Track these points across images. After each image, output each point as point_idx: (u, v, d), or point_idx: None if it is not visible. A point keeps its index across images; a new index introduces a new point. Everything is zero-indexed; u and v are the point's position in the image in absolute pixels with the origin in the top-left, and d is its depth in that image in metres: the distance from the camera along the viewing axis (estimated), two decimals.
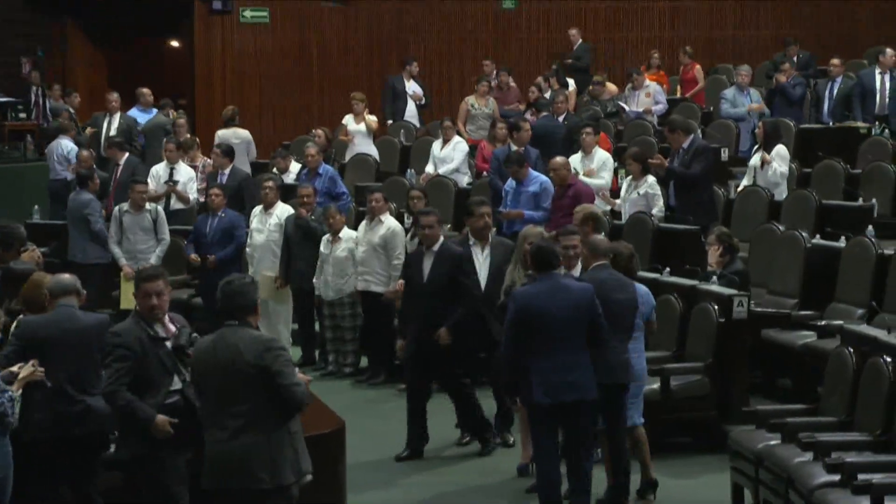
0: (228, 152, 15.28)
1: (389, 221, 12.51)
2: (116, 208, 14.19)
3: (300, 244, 12.95)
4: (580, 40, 20.67)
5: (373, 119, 17.52)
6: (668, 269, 11.09)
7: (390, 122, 18.96)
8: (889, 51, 17.17)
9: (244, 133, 17.31)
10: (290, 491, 6.67)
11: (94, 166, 15.33)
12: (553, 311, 8.09)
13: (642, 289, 8.98)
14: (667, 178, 12.98)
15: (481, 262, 10.44)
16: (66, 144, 17.01)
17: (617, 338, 8.43)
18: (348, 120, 17.48)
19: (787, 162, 13.81)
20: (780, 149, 13.78)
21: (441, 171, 16.00)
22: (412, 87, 19.37)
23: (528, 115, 16.89)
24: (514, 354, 8.19)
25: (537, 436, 8.30)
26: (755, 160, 13.86)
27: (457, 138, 16.42)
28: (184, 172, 15.57)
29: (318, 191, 13.74)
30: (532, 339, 8.11)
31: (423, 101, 19.55)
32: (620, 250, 9.01)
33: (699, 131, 15.63)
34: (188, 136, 16.86)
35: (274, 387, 6.54)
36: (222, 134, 17.21)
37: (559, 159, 12.84)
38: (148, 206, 14.05)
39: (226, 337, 6.62)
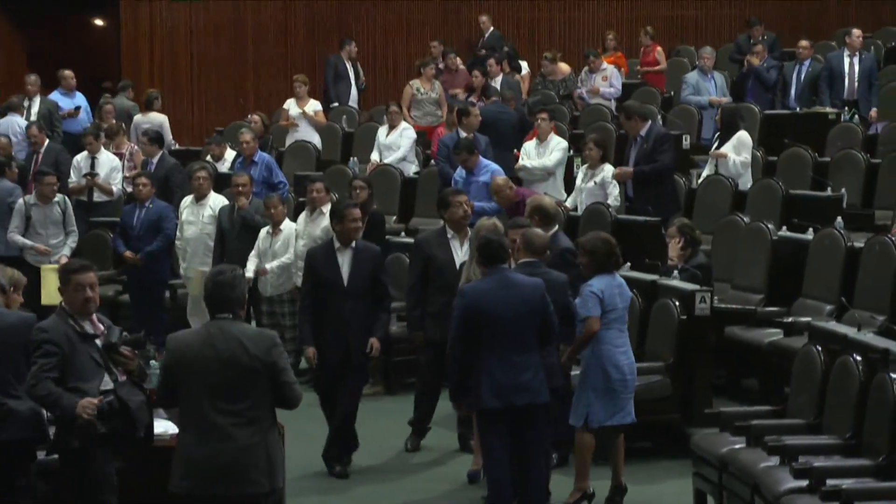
0: (157, 139, 15.24)
1: None
2: (21, 200, 14.08)
3: (238, 237, 12.90)
4: (491, 28, 20.32)
5: (318, 109, 17.38)
6: (627, 263, 11.14)
7: (335, 104, 18.89)
8: (856, 31, 17.15)
9: (158, 118, 17.29)
10: (280, 494, 6.66)
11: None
12: (502, 309, 8.06)
13: (621, 281, 9.01)
14: (636, 181, 12.95)
15: (461, 257, 10.11)
16: (22, 122, 16.86)
17: None
18: (290, 104, 17.35)
19: (749, 149, 13.80)
20: (742, 135, 13.75)
21: (387, 159, 15.93)
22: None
23: (472, 100, 16.88)
24: (461, 354, 8.15)
25: (487, 441, 8.27)
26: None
27: (403, 124, 16.34)
28: (105, 162, 15.46)
29: (255, 180, 13.69)
30: (481, 338, 8.08)
31: (364, 86, 19.53)
32: (605, 237, 9.02)
33: (658, 117, 15.68)
34: (114, 121, 16.78)
35: (277, 384, 6.55)
36: (136, 119, 17.17)
37: (500, 181, 12.49)
38: (56, 197, 13.98)
39: (224, 330, 6.55)
